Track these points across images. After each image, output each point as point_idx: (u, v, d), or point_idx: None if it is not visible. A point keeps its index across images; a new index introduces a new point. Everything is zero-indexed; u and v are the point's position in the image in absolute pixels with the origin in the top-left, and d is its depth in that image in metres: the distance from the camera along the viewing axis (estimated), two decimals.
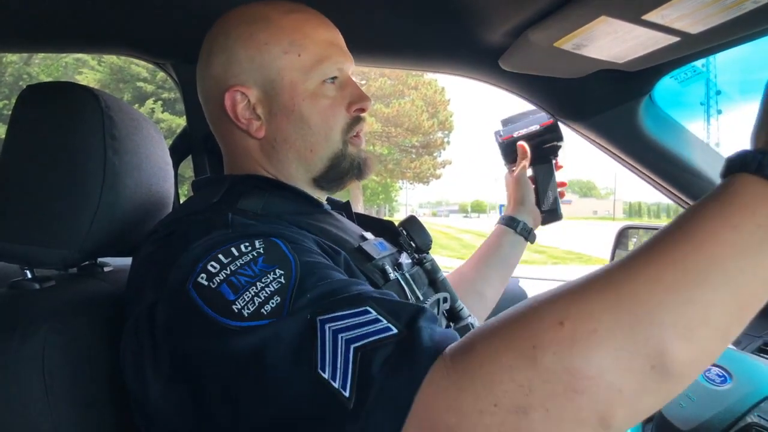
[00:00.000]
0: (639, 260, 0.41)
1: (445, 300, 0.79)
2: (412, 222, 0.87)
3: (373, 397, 0.43)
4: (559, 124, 1.19)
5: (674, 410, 0.84)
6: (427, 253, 0.85)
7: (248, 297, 0.51)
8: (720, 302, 0.39)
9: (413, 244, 0.85)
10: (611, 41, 0.90)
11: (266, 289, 0.52)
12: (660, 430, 0.86)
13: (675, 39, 0.85)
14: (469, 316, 0.83)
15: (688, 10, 0.75)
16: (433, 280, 0.82)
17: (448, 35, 1.09)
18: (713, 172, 1.23)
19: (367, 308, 0.49)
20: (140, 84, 17.12)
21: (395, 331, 0.47)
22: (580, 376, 0.38)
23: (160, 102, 16.65)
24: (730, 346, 1.00)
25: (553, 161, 1.17)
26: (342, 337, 0.47)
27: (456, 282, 1.09)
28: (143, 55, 1.23)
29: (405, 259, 0.80)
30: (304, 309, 0.50)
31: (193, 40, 0.98)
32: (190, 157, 1.32)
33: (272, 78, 0.73)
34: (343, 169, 0.77)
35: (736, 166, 0.41)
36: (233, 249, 0.56)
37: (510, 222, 1.13)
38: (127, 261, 0.72)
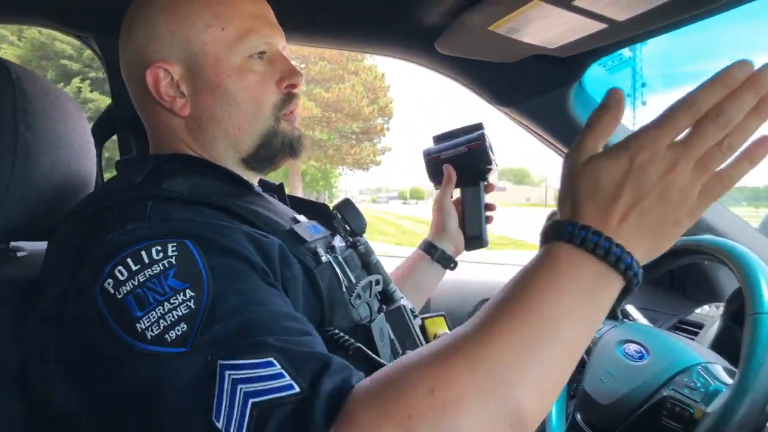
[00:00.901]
0: (493, 325, 0.46)
1: (377, 282, 0.79)
2: (346, 205, 0.86)
3: None
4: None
5: (595, 386, 0.87)
6: (361, 236, 0.84)
7: (154, 318, 0.49)
8: (558, 356, 0.45)
9: (348, 228, 0.84)
10: (544, 26, 0.91)
11: (174, 312, 0.49)
12: (583, 405, 0.89)
13: (603, 25, 0.87)
14: (402, 297, 0.83)
15: None
16: (367, 262, 0.81)
17: (383, 15, 1.07)
18: None
19: (272, 360, 0.47)
20: (65, 62, 16.13)
21: (297, 390, 0.45)
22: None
23: (87, 81, 15.78)
24: (648, 324, 1.05)
25: (483, 184, 1.10)
26: (241, 388, 0.45)
27: None
28: (63, 26, 1.16)
29: (339, 242, 0.79)
30: (208, 347, 0.48)
31: (117, 12, 0.92)
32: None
33: (195, 53, 0.69)
34: (275, 147, 0.75)
35: (553, 235, 0.48)
36: (143, 254, 0.53)
37: (428, 248, 1.09)
38: (43, 245, 0.68)
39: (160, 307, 0.50)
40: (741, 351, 0.71)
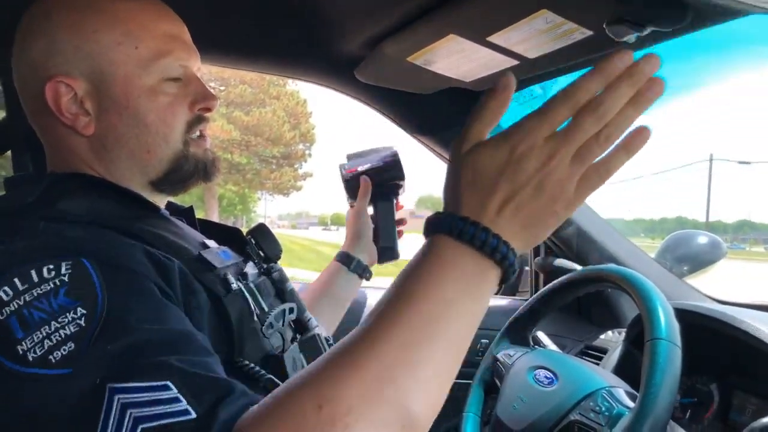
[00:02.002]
0: (377, 327, 0.45)
1: (291, 310, 0.76)
2: (260, 230, 0.84)
3: None
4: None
5: (507, 412, 0.89)
6: (276, 262, 0.82)
7: (38, 338, 0.45)
8: (442, 353, 0.45)
9: (261, 254, 0.81)
10: (459, 59, 0.94)
11: (61, 331, 0.46)
12: (495, 431, 0.90)
13: (515, 62, 0.91)
14: (317, 327, 0.81)
15: (526, 36, 0.81)
16: (281, 290, 0.79)
17: (303, 41, 1.07)
18: None
19: (168, 383, 0.44)
20: None
21: (193, 416, 0.43)
22: None
23: None
24: (557, 350, 1.09)
25: (394, 200, 1.14)
26: (131, 413, 0.42)
27: None
28: None
29: (251, 268, 0.76)
30: (97, 368, 0.44)
31: (10, 20, 0.85)
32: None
33: (103, 70, 0.65)
34: (186, 171, 0.71)
35: (434, 227, 0.48)
36: (33, 273, 0.48)
37: (345, 259, 1.09)
38: None
39: (46, 327, 0.46)
40: (641, 375, 0.74)
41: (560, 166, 0.46)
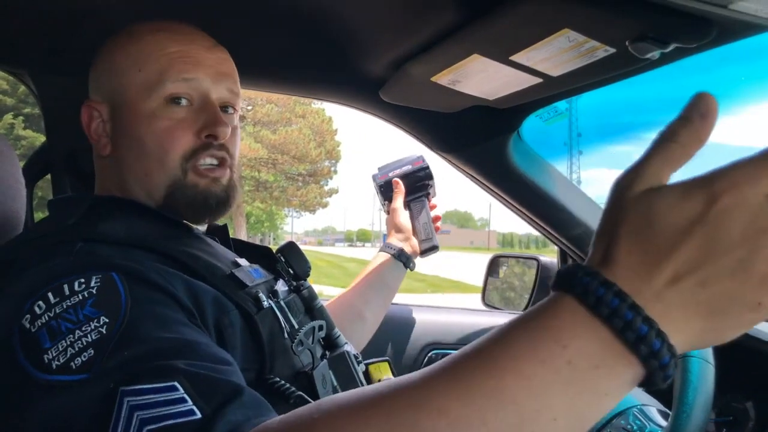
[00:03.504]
0: (431, 385, 0.35)
1: (321, 328, 0.77)
2: (290, 248, 0.85)
3: None
4: (435, 156, 1.28)
5: None
6: (305, 280, 0.83)
7: (62, 347, 0.47)
8: None
9: (291, 271, 0.83)
10: (483, 79, 0.95)
11: (83, 339, 0.47)
12: None
13: (539, 80, 0.92)
14: (346, 344, 0.82)
15: (549, 54, 0.81)
16: (310, 307, 0.80)
17: (330, 63, 1.10)
18: (573, 206, 1.34)
19: (175, 384, 0.44)
20: None
21: (199, 416, 0.42)
22: None
23: (21, 117, 15.16)
24: None
25: (426, 200, 1.24)
26: (138, 415, 0.42)
27: (337, 306, 1.10)
28: None
29: (281, 286, 0.78)
30: (111, 373, 0.45)
31: (53, 48, 0.90)
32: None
33: (117, 95, 0.70)
34: (185, 200, 0.70)
35: (562, 283, 0.35)
36: (65, 287, 0.51)
37: (389, 249, 1.18)
38: None
39: (71, 335, 0.47)
40: (673, 393, 0.73)
41: None
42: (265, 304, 0.68)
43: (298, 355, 0.69)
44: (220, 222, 0.83)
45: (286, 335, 0.68)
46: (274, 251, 0.84)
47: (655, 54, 0.72)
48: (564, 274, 0.35)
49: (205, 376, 0.46)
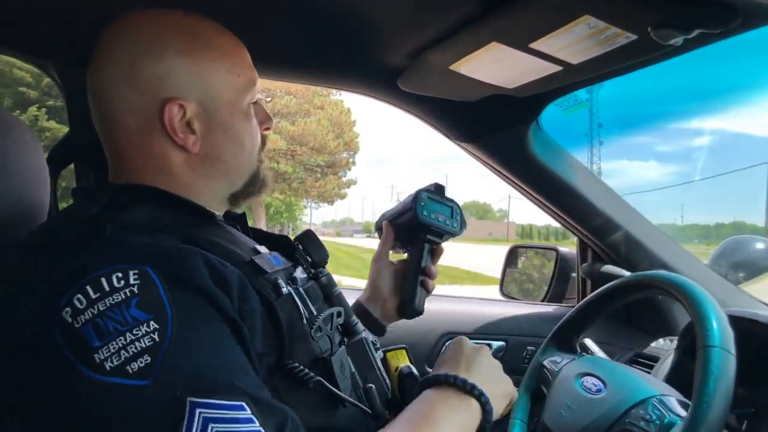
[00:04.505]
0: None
1: (339, 314, 0.78)
2: (308, 236, 0.86)
3: None
4: (419, 195, 1.01)
5: (554, 419, 0.88)
6: (323, 267, 0.84)
7: (114, 348, 0.48)
8: None
9: (309, 259, 0.83)
10: (502, 67, 0.95)
11: (136, 343, 0.49)
12: None
13: (558, 68, 0.91)
14: (364, 331, 0.83)
15: (568, 42, 0.81)
16: (329, 294, 0.81)
17: (348, 53, 1.10)
18: (593, 196, 1.33)
19: (243, 404, 0.49)
20: (22, 89, 15.78)
21: None
22: None
23: (44, 109, 15.43)
24: (605, 357, 1.07)
25: (426, 247, 1.03)
26: (213, 427, 0.46)
27: None
28: (23, 54, 1.14)
29: (300, 273, 0.79)
30: (174, 383, 0.48)
31: (78, 40, 0.91)
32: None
33: (213, 95, 0.72)
34: (257, 185, 0.79)
35: (438, 381, 0.74)
36: (103, 281, 0.51)
37: (359, 312, 1.02)
38: None
39: (122, 338, 0.49)
40: (693, 384, 0.72)
41: None
42: (285, 290, 0.69)
43: (317, 341, 0.70)
44: (238, 210, 0.85)
45: (304, 321, 0.69)
46: (291, 239, 0.85)
47: (678, 40, 0.70)
48: (432, 379, 0.75)
49: (263, 399, 0.51)
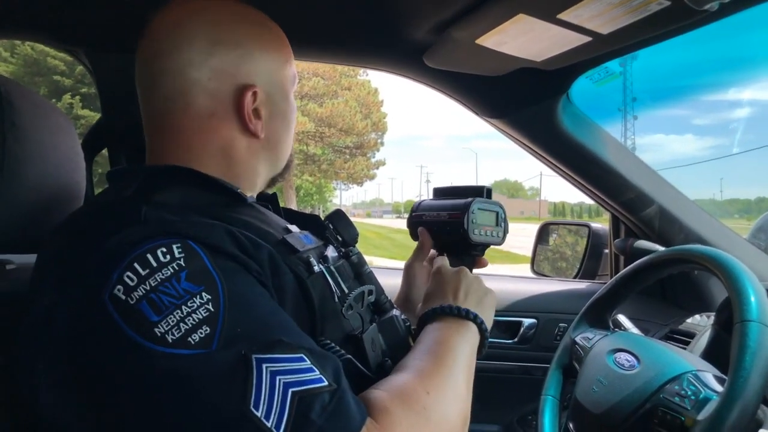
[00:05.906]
0: (432, 358, 0.69)
1: (370, 292, 0.79)
2: (338, 216, 0.86)
3: None
4: (472, 209, 0.95)
5: (587, 395, 0.87)
6: (354, 246, 0.85)
7: (173, 321, 0.50)
8: (462, 375, 0.69)
9: (340, 238, 0.84)
10: (529, 39, 0.93)
11: (193, 315, 0.50)
12: (575, 415, 0.90)
13: (588, 39, 0.88)
14: (394, 308, 0.83)
15: (598, 11, 0.78)
16: (359, 273, 0.81)
17: (374, 30, 1.09)
18: (626, 170, 1.30)
19: (303, 356, 0.52)
20: (57, 78, 16.17)
21: (326, 383, 0.52)
22: (443, 414, 0.62)
23: (78, 97, 15.79)
24: (639, 333, 1.05)
25: (469, 260, 0.99)
26: (280, 379, 0.50)
27: None
28: (55, 41, 1.16)
29: (331, 252, 0.79)
30: (237, 343, 0.50)
31: (109, 27, 0.93)
32: None
33: (277, 84, 0.77)
34: (289, 168, 0.85)
35: (437, 313, 0.78)
36: (149, 256, 0.53)
37: None
38: (32, 258, 0.68)
39: (178, 311, 0.50)
40: (730, 359, 0.71)
41: None
42: (316, 268, 0.69)
43: (348, 319, 0.71)
44: (269, 191, 0.86)
45: (336, 299, 0.70)
46: (321, 218, 0.86)
47: (713, 5, 0.68)
48: (437, 309, 0.79)
49: (315, 350, 0.55)
